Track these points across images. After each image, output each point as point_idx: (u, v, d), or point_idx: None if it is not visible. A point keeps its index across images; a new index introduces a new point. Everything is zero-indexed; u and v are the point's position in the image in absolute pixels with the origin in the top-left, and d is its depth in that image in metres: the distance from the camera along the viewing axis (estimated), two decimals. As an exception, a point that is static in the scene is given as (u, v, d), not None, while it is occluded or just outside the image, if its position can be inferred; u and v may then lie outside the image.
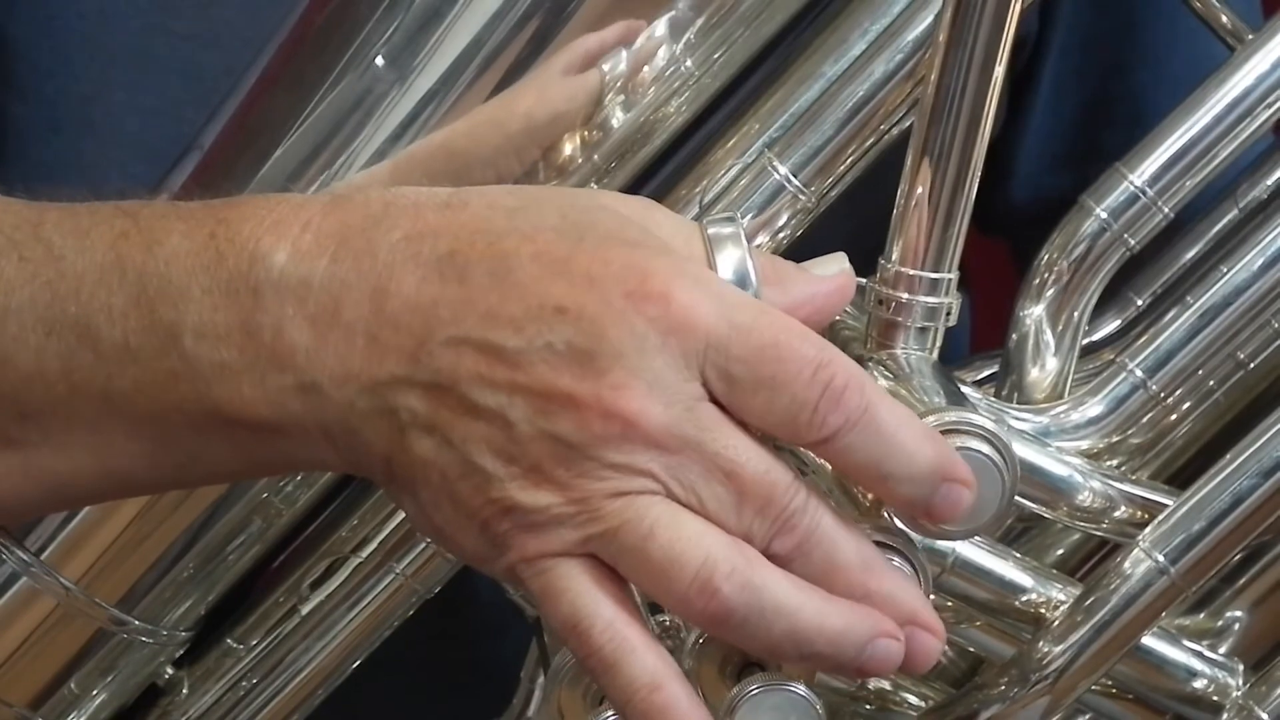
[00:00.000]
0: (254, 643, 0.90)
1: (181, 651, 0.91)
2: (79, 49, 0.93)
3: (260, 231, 0.72)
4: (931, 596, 0.74)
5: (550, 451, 0.69)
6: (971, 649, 0.85)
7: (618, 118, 0.83)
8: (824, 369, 0.69)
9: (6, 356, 0.74)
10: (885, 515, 0.73)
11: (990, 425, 0.72)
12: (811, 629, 0.70)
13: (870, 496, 0.73)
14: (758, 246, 0.82)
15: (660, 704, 0.70)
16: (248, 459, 0.74)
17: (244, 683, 0.90)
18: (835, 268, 0.75)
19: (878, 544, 0.72)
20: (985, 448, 0.72)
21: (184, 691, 0.91)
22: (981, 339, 1.02)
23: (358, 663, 0.91)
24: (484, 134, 0.81)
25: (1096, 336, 0.88)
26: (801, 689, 0.72)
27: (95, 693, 0.89)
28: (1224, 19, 0.90)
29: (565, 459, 0.69)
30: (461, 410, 0.69)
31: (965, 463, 0.71)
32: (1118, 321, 0.89)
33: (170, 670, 0.91)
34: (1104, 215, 0.83)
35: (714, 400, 0.70)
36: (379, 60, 0.81)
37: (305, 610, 0.89)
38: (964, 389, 0.79)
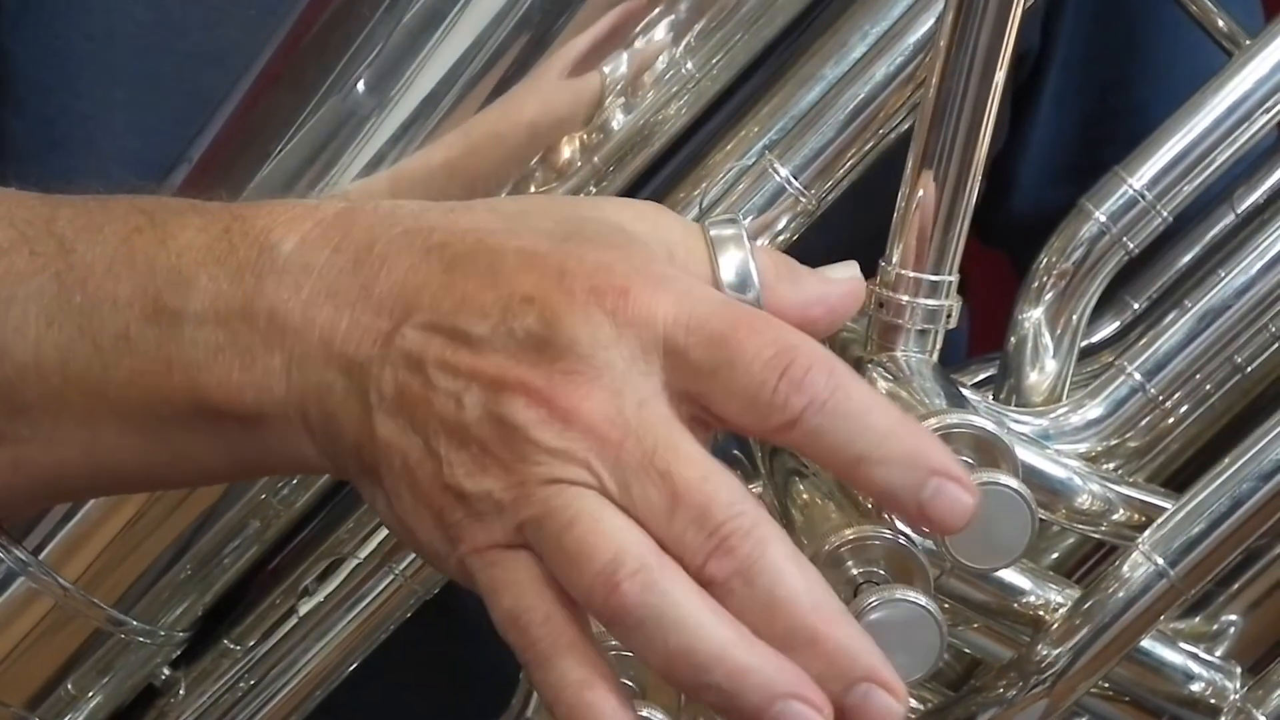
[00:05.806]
0: (251, 644, 0.90)
1: (178, 652, 0.91)
2: (81, 67, 0.93)
3: (273, 225, 0.73)
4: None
5: (495, 434, 0.69)
6: (969, 651, 0.85)
7: (618, 120, 0.83)
8: (785, 351, 0.68)
9: (4, 348, 0.75)
10: (886, 516, 0.73)
11: (992, 427, 0.72)
12: (709, 653, 0.66)
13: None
14: (763, 245, 0.82)
15: (588, 701, 0.68)
16: (231, 456, 0.75)
17: (241, 684, 0.90)
18: (847, 273, 0.75)
19: (877, 541, 0.72)
20: (1004, 478, 0.71)
21: (180, 692, 0.91)
22: (979, 343, 1.02)
23: (355, 664, 0.91)
24: (486, 150, 0.81)
25: (1094, 339, 0.88)
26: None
27: (92, 693, 0.89)
28: (1220, 23, 0.90)
29: (508, 441, 0.69)
30: (425, 393, 0.70)
31: (960, 463, 0.69)
32: (1115, 324, 0.89)
33: (167, 671, 0.91)
34: (1103, 219, 0.83)
35: (686, 399, 0.69)
36: (372, 70, 0.82)
37: (303, 611, 0.89)
38: (964, 391, 0.79)
